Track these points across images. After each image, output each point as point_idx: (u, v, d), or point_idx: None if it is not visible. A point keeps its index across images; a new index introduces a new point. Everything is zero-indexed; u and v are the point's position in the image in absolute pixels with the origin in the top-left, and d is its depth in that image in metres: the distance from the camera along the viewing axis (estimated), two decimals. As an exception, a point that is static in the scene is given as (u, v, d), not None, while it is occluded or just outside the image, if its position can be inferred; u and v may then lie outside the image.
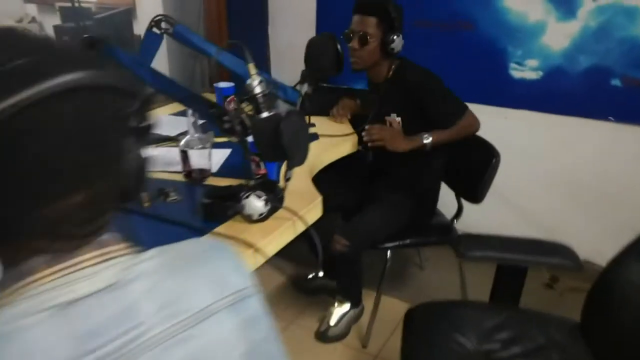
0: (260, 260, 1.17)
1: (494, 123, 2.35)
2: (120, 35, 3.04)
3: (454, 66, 2.41)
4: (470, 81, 2.39)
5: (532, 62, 2.27)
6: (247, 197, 1.23)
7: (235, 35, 2.74)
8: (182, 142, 1.52)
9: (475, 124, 1.86)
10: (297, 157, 1.17)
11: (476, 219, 2.13)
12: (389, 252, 1.94)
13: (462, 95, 2.38)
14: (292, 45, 2.75)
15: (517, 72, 2.31)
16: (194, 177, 1.52)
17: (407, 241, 1.95)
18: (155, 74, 1.33)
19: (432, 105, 1.82)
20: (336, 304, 2.05)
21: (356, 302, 2.06)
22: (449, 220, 2.09)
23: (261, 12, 2.93)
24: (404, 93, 1.85)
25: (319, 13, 2.78)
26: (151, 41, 1.64)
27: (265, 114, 1.20)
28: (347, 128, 2.09)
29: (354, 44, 1.85)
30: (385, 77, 1.91)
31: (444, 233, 2.04)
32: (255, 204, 1.23)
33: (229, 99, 2.08)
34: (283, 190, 1.31)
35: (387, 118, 1.94)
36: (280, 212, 1.30)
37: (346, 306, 2.04)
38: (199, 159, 1.52)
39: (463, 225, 2.05)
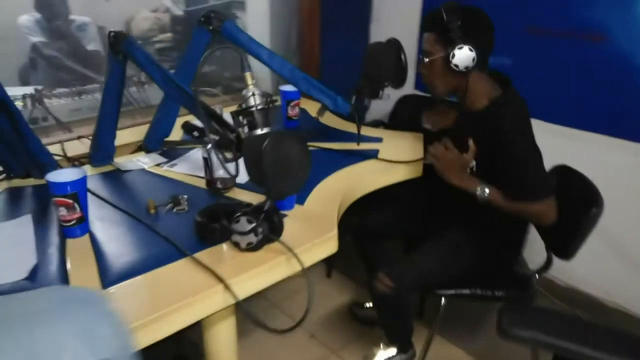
0: (230, 300, 1.01)
1: (623, 160, 1.92)
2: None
3: (575, 87, 1.98)
4: (596, 107, 1.94)
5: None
6: (237, 221, 1.07)
7: (330, 32, 2.57)
8: (208, 146, 1.41)
9: (550, 216, 1.45)
10: (281, 188, 0.99)
11: (571, 266, 1.71)
12: (442, 299, 1.65)
13: (583, 124, 1.98)
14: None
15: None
16: (215, 186, 1.40)
17: (466, 291, 1.64)
18: (165, 76, 1.23)
19: (504, 169, 1.46)
20: (382, 346, 1.82)
21: (404, 348, 1.80)
22: (531, 273, 1.72)
23: (363, 8, 2.73)
24: (483, 136, 1.50)
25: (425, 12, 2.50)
26: (199, 38, 1.56)
27: (259, 131, 1.03)
28: (415, 152, 1.80)
29: (421, 67, 1.57)
30: (477, 107, 1.54)
31: (518, 287, 1.68)
32: (244, 230, 1.06)
33: (293, 104, 1.93)
34: (282, 218, 1.13)
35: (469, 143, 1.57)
36: (278, 244, 1.12)
37: (392, 350, 1.80)
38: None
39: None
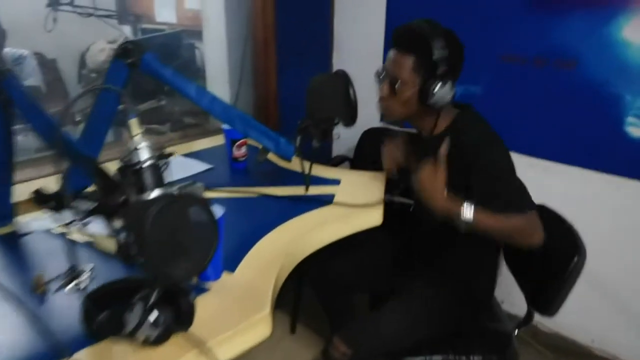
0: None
1: (600, 195, 1.74)
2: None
3: (547, 115, 1.82)
4: (569, 136, 1.78)
5: (661, 118, 1.60)
6: (131, 309, 0.84)
7: (288, 62, 2.38)
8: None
9: (536, 233, 1.22)
10: (172, 271, 0.75)
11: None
12: (410, 368, 1.41)
13: (558, 155, 1.82)
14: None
15: (636, 130, 1.64)
16: (126, 254, 1.15)
17: (437, 358, 1.40)
18: (48, 124, 1.00)
19: (478, 185, 1.24)
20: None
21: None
22: (510, 329, 1.50)
23: (324, 35, 2.56)
24: (453, 156, 1.28)
25: (387, 43, 2.33)
26: (116, 73, 1.33)
27: (149, 195, 0.80)
28: (378, 195, 1.58)
29: (383, 88, 1.34)
30: (435, 131, 1.36)
31: (497, 347, 1.45)
32: (137, 322, 0.83)
33: (238, 143, 1.71)
34: (193, 301, 0.89)
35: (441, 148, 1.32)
36: (189, 334, 0.88)
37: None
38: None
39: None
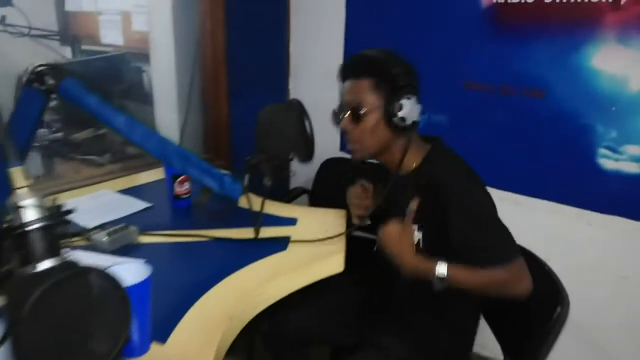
0: None
1: (570, 230, 1.64)
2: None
3: (516, 146, 1.72)
4: (539, 169, 1.69)
5: (633, 149, 1.53)
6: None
7: (240, 90, 2.22)
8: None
9: (522, 283, 1.08)
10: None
11: None
12: None
13: (528, 189, 1.72)
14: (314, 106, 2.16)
15: (609, 162, 1.57)
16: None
17: None
18: None
19: (456, 228, 1.09)
20: None
21: None
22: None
23: (279, 61, 2.42)
24: (425, 197, 1.15)
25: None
26: (29, 102, 1.13)
27: (35, 268, 0.60)
28: (337, 233, 1.41)
29: (346, 122, 1.20)
30: (407, 167, 1.22)
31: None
32: None
33: (181, 179, 1.52)
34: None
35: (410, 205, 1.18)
36: None
37: None
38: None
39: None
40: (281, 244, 1.33)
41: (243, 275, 1.17)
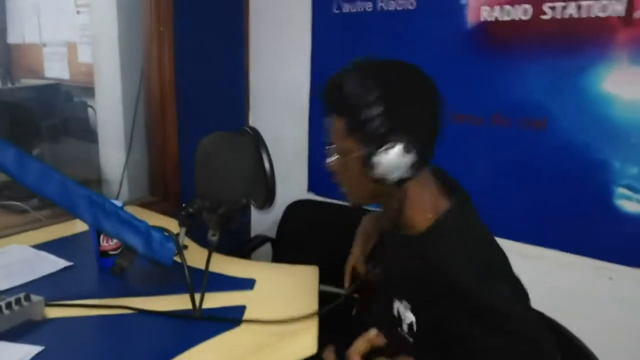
0: None
1: (589, 286, 1.39)
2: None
3: (514, 188, 1.49)
4: (544, 213, 1.46)
5: (657, 188, 1.31)
6: None
7: (191, 124, 1.96)
8: None
9: None
10: None
11: None
12: None
13: (535, 237, 1.48)
14: (278, 140, 1.90)
15: (629, 204, 1.34)
16: None
17: None
18: None
19: (469, 336, 0.81)
20: None
21: None
22: None
23: (238, 92, 2.17)
24: (426, 281, 0.88)
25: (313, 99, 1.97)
26: None
27: None
28: (302, 305, 1.11)
29: (331, 164, 0.94)
30: (417, 225, 0.92)
31: None
32: None
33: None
34: None
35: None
36: None
37: None
38: None
39: None
40: (236, 315, 1.03)
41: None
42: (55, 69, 2.91)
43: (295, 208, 1.93)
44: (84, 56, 2.67)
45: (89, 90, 2.41)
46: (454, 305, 0.82)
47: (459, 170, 0.96)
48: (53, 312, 1.01)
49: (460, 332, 0.82)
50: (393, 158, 0.83)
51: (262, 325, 1.00)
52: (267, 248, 2.01)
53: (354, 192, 0.94)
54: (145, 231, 0.85)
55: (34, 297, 1.00)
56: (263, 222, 2.16)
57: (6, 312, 0.95)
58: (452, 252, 0.86)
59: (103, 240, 1.21)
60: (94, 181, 2.09)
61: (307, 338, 0.98)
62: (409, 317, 0.91)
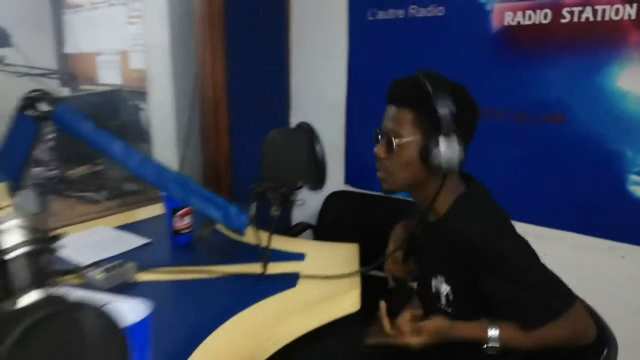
0: None
1: (603, 265, 1.53)
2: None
3: (534, 176, 1.63)
4: (561, 199, 1.59)
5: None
6: None
7: (241, 124, 2.15)
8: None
9: (586, 332, 0.98)
10: None
11: None
12: None
13: (553, 221, 1.61)
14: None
15: (640, 189, 1.47)
16: None
17: None
18: None
19: (496, 291, 1.00)
20: None
21: None
22: None
23: (280, 93, 2.36)
24: (454, 250, 1.05)
25: (349, 98, 2.14)
26: (22, 129, 1.05)
27: (19, 301, 0.50)
28: (349, 269, 1.30)
29: (380, 150, 1.09)
30: (439, 210, 1.10)
31: None
32: None
33: (181, 213, 1.42)
34: None
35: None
36: None
37: None
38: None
39: None
40: (290, 280, 1.22)
41: (250, 314, 1.06)
42: (109, 76, 3.17)
43: (334, 198, 2.10)
44: (136, 63, 2.91)
45: (141, 94, 2.64)
46: (480, 266, 1.00)
47: (486, 162, 1.12)
48: (142, 277, 1.23)
49: (487, 289, 1.00)
50: (452, 150, 1.01)
51: (314, 286, 1.19)
52: (307, 235, 2.20)
53: (398, 177, 1.09)
54: (223, 205, 1.06)
55: (128, 264, 1.22)
56: (303, 212, 2.34)
57: (108, 274, 1.17)
58: (471, 219, 1.04)
59: (176, 221, 1.43)
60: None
61: (352, 296, 1.17)
62: (445, 289, 1.09)
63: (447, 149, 1.00)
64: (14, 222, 0.51)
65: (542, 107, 1.60)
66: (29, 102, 1.04)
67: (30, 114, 1.04)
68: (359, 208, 2.08)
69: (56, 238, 0.55)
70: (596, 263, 1.56)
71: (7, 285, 0.51)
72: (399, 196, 1.75)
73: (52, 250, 0.55)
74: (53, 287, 0.53)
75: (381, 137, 1.09)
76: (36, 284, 0.51)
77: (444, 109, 0.99)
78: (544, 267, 1.01)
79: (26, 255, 0.51)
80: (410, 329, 1.03)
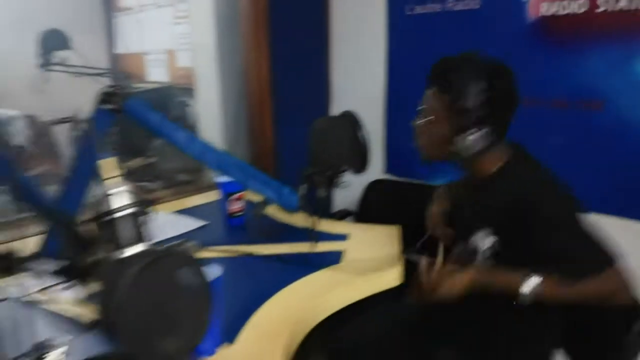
0: None
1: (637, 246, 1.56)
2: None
3: (574, 161, 1.67)
4: (600, 183, 1.63)
5: None
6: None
7: (284, 115, 2.26)
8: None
9: (621, 292, 1.03)
10: (156, 348, 0.57)
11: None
12: None
13: (591, 205, 1.64)
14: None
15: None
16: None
17: None
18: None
19: (541, 241, 1.06)
20: None
21: None
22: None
23: (320, 86, 2.46)
24: (505, 205, 1.11)
25: (389, 91, 2.22)
26: (99, 120, 1.19)
27: (126, 252, 0.63)
28: (392, 253, 1.40)
29: (418, 125, 1.19)
30: (485, 172, 1.17)
31: None
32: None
33: (235, 197, 1.55)
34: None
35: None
36: None
37: None
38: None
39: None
40: (335, 257, 1.33)
41: (302, 285, 1.17)
42: (156, 74, 3.34)
43: (375, 186, 2.20)
44: (183, 61, 3.07)
45: (188, 91, 2.79)
46: (530, 219, 1.06)
47: (534, 148, 1.19)
48: (203, 254, 1.36)
49: (535, 239, 1.06)
50: (480, 135, 1.09)
51: (358, 262, 1.29)
52: (348, 221, 2.29)
53: (431, 151, 1.19)
54: (277, 187, 1.17)
55: (190, 242, 1.35)
56: (344, 200, 2.43)
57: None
58: (522, 176, 1.11)
59: (231, 204, 1.56)
60: (197, 169, 2.45)
61: (393, 271, 1.27)
62: (488, 242, 1.15)
63: (476, 139, 1.09)
64: (122, 188, 0.63)
65: (580, 94, 1.63)
66: (106, 96, 1.18)
67: (106, 107, 1.18)
68: (397, 195, 2.17)
69: (150, 203, 0.67)
70: (637, 246, 1.59)
71: (116, 241, 0.63)
72: (437, 183, 1.83)
73: (147, 213, 0.67)
74: (149, 242, 0.65)
75: (419, 113, 1.18)
76: (138, 238, 0.63)
77: (477, 100, 1.06)
78: (589, 229, 1.06)
79: (131, 215, 0.63)
80: (446, 279, 1.10)
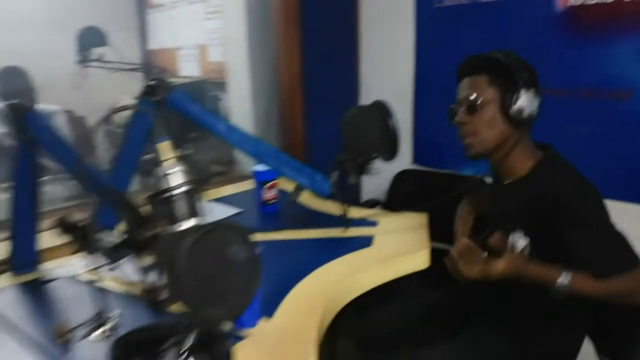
0: None
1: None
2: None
3: (600, 149, 1.69)
4: (629, 173, 1.64)
5: None
6: (164, 355, 0.73)
7: (314, 108, 2.32)
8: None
9: None
10: (209, 311, 0.64)
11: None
12: None
13: (615, 194, 1.66)
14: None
15: None
16: (152, 297, 1.05)
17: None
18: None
19: (572, 241, 1.10)
20: None
21: None
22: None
23: (350, 79, 2.50)
24: (536, 205, 1.15)
25: (417, 83, 2.25)
26: (143, 112, 1.27)
27: (182, 226, 0.70)
28: (419, 237, 1.44)
29: (462, 115, 1.20)
30: (519, 173, 1.21)
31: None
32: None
33: (268, 185, 1.62)
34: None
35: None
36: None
37: None
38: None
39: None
40: (366, 240, 1.39)
41: (335, 266, 1.24)
42: (188, 69, 3.43)
43: (403, 176, 2.24)
44: (214, 56, 3.14)
45: (220, 85, 2.86)
46: (562, 218, 1.10)
47: (554, 139, 1.22)
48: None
49: (567, 238, 1.10)
50: (530, 97, 1.13)
51: (388, 245, 1.35)
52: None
53: (482, 137, 1.19)
54: (310, 174, 1.24)
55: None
56: (373, 190, 2.48)
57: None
58: (553, 177, 1.14)
59: (265, 192, 1.63)
60: (229, 161, 2.53)
61: (422, 254, 1.32)
62: (521, 243, 1.19)
63: (527, 100, 1.13)
64: (178, 167, 0.70)
65: (608, 84, 1.65)
66: (149, 89, 1.26)
67: (149, 99, 1.26)
68: (425, 184, 2.20)
69: (203, 181, 0.74)
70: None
71: (173, 215, 0.70)
72: (464, 173, 1.87)
73: (200, 191, 0.74)
74: (202, 217, 0.72)
75: (459, 107, 1.21)
76: (192, 214, 0.70)
77: (516, 68, 1.13)
78: (615, 229, 1.10)
79: (186, 192, 0.70)
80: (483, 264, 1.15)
